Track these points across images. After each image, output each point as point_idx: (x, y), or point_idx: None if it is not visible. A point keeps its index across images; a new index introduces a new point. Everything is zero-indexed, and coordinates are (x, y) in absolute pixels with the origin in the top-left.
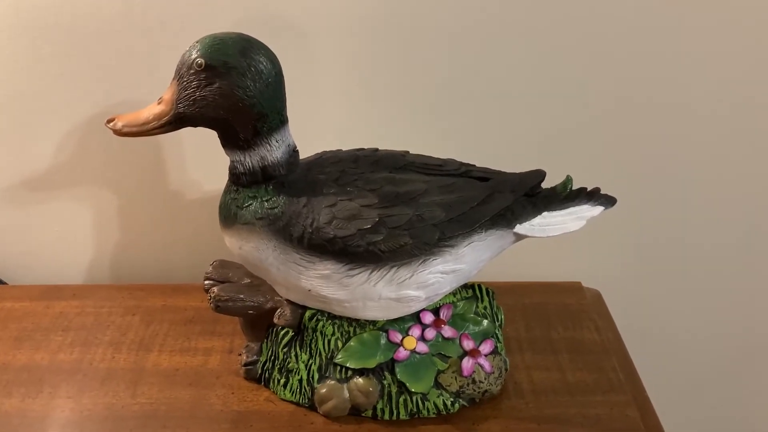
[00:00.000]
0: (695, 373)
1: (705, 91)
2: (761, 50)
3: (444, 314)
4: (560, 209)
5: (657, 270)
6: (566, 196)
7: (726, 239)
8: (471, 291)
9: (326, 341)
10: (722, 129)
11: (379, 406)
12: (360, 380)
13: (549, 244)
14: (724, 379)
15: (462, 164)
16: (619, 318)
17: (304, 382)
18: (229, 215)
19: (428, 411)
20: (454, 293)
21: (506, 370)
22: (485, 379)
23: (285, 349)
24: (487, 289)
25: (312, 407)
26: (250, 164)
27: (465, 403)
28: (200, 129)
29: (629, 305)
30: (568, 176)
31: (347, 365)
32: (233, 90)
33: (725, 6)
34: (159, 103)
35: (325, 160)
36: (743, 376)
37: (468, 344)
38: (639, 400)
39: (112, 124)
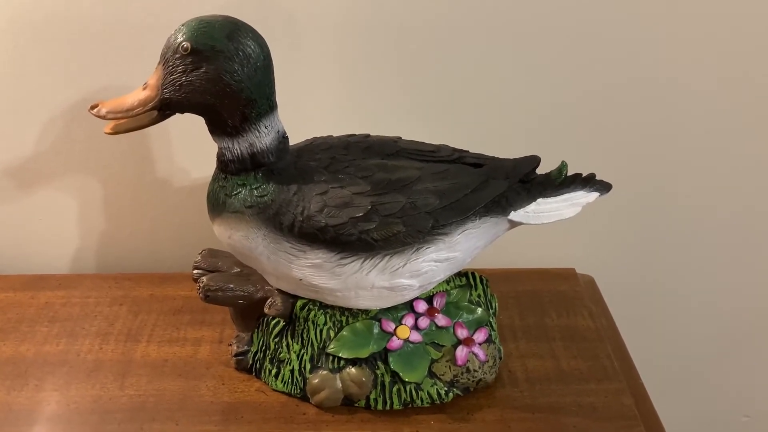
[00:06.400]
0: (688, 359)
1: (701, 75)
2: (760, 34)
3: (437, 303)
4: (555, 196)
5: (650, 256)
6: (561, 182)
7: (720, 225)
8: (465, 279)
9: (318, 331)
10: (717, 115)
11: (372, 396)
12: (353, 370)
13: (542, 230)
14: (717, 364)
15: (455, 150)
16: (613, 304)
17: (296, 373)
18: (218, 203)
19: (422, 400)
20: (447, 281)
21: (500, 358)
22: (479, 368)
23: (276, 339)
24: (480, 277)
25: (304, 398)
26: (238, 151)
27: (459, 393)
28: (187, 115)
29: (623, 291)
30: (563, 162)
31: (339, 355)
32: (220, 75)
33: None
34: (144, 89)
35: (315, 147)
36: (737, 362)
37: (462, 333)
38: (633, 388)
39: (95, 110)
